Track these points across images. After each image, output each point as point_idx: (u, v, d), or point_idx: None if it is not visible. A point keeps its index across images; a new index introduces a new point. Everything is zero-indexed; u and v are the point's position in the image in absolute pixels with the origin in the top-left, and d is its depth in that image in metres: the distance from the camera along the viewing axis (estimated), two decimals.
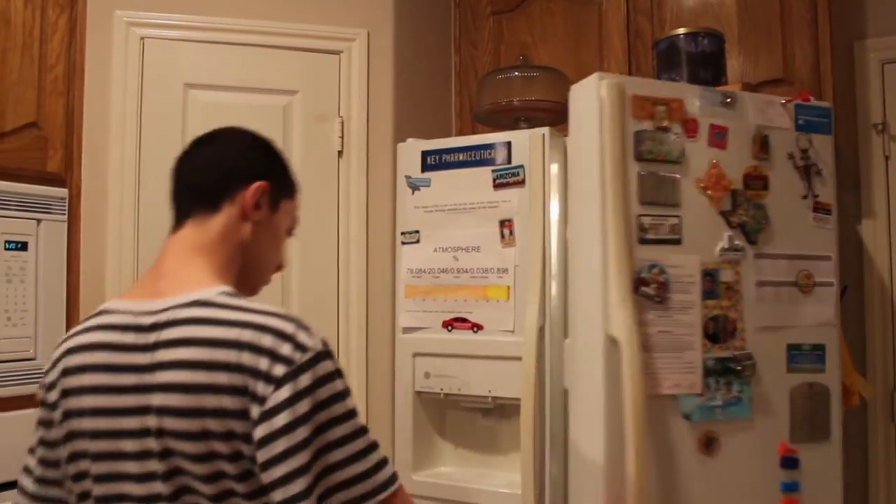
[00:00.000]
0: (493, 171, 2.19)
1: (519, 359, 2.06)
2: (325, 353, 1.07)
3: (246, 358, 1.03)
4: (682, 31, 2.23)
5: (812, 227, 1.86)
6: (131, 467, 1.10)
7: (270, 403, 1.01)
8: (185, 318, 1.09)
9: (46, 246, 2.20)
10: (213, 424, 1.04)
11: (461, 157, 2.24)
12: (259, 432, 1.02)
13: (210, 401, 1.04)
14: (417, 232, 2.29)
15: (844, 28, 2.57)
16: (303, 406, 1.02)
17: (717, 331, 1.74)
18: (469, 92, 2.90)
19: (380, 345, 2.60)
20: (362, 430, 1.08)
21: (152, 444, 1.08)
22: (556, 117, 2.41)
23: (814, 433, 1.80)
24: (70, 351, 1.16)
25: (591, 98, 1.77)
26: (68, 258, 2.28)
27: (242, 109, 2.52)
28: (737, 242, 1.78)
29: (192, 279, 1.15)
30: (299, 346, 1.05)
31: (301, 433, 1.01)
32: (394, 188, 2.49)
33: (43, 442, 1.22)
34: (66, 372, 1.15)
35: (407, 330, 2.30)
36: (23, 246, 2.14)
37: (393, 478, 1.08)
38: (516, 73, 2.48)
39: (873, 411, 2.49)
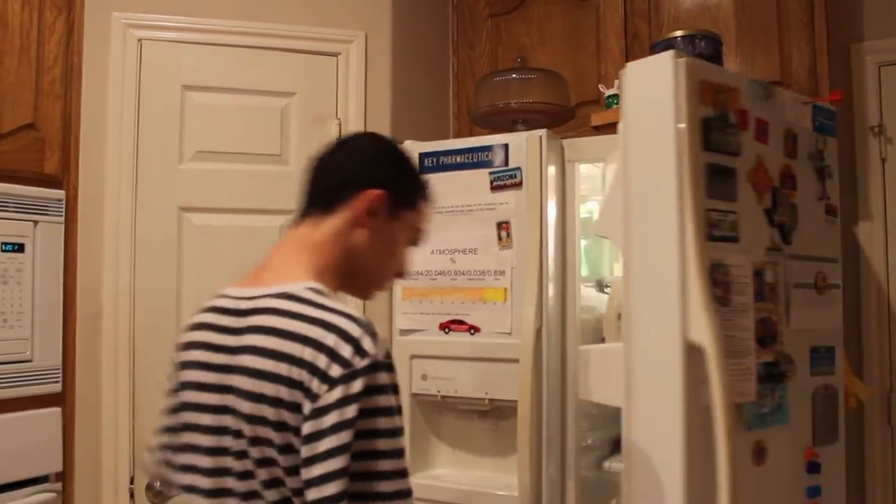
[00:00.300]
0: (491, 173, 2.19)
1: (516, 361, 2.06)
2: (385, 365, 1.09)
3: (308, 353, 1.08)
4: (679, 33, 2.23)
5: (824, 229, 1.85)
6: (205, 441, 1.18)
7: (321, 402, 1.05)
8: (270, 307, 1.16)
9: (43, 248, 2.20)
10: (268, 412, 1.09)
11: (458, 159, 2.24)
12: (306, 428, 1.05)
13: (270, 389, 1.09)
14: None
15: (841, 30, 2.57)
16: (350, 411, 1.04)
17: (765, 334, 1.65)
18: (467, 94, 2.91)
19: None
20: (401, 452, 1.09)
21: (229, 421, 1.15)
22: (553, 119, 2.41)
23: (828, 436, 1.79)
24: (190, 327, 1.28)
25: (662, 79, 1.59)
26: (65, 260, 2.27)
27: (240, 111, 2.52)
28: (777, 241, 1.70)
29: (291, 274, 1.22)
30: (360, 351, 1.07)
31: (345, 437, 1.03)
32: None
33: (166, 409, 1.32)
34: (183, 347, 1.27)
35: (404, 332, 2.30)
36: (20, 248, 2.14)
37: None
38: (514, 76, 2.48)
39: (870, 413, 2.49)
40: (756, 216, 1.67)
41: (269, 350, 1.12)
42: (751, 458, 1.58)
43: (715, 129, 1.59)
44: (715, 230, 1.56)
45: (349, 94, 2.64)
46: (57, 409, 2.21)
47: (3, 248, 2.10)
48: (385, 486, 1.06)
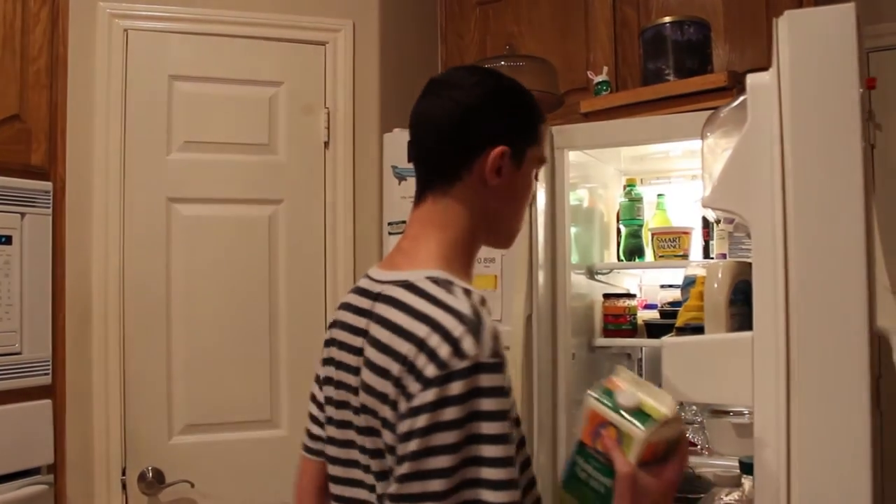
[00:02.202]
0: None
1: (506, 348, 2.06)
2: (488, 366, 1.02)
3: (410, 350, 1.04)
4: (668, 19, 2.24)
5: None
6: (336, 415, 1.21)
7: (415, 402, 1.01)
8: (390, 296, 1.13)
9: (31, 239, 2.19)
10: (377, 407, 1.08)
11: None
12: (401, 427, 1.02)
13: (378, 383, 1.08)
14: (404, 222, 2.28)
15: None
16: (448, 413, 0.99)
17: None
18: None
19: None
20: (508, 461, 1.02)
21: (355, 403, 1.15)
22: (542, 107, 2.40)
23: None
24: (339, 306, 1.28)
25: (845, 33, 1.41)
26: (53, 252, 2.26)
27: (228, 101, 2.51)
28: None
29: (417, 258, 1.18)
30: (458, 352, 1.01)
31: (438, 439, 0.99)
32: (380, 178, 2.49)
33: (317, 379, 1.32)
34: (331, 325, 1.28)
35: None
36: (7, 240, 2.13)
37: None
38: (503, 63, 2.47)
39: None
40: None
41: (381, 343, 1.10)
42: None
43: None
44: None
45: (337, 83, 2.63)
46: (47, 401, 2.21)
47: None
48: (491, 497, 0.99)
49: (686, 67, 2.18)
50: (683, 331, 1.82)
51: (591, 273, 2.35)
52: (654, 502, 1.13)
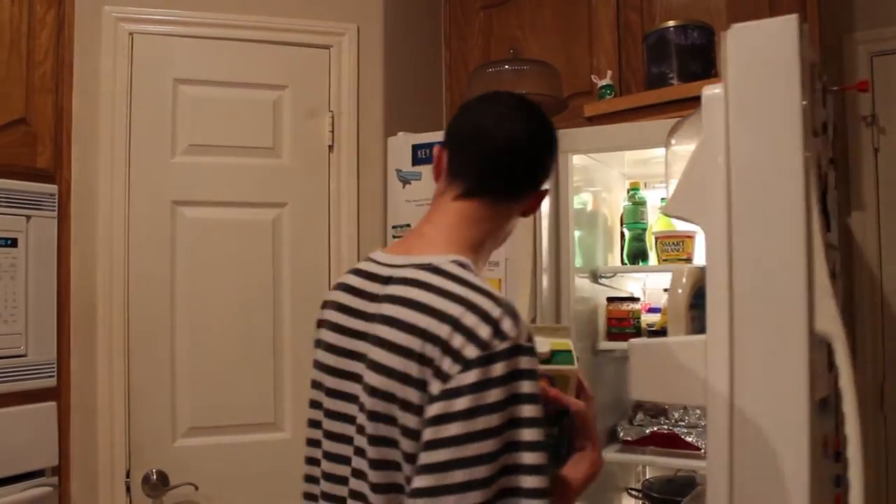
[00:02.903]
0: None
1: None
2: (527, 349, 1.02)
3: (444, 330, 1.02)
4: (671, 23, 2.24)
5: (834, 221, 1.84)
6: (351, 409, 1.14)
7: (453, 383, 0.99)
8: (412, 278, 1.11)
9: (36, 242, 2.19)
10: (396, 388, 1.04)
11: None
12: (433, 410, 0.99)
13: (399, 363, 1.04)
14: (409, 226, 2.29)
15: (834, 21, 2.57)
16: (491, 395, 0.98)
17: None
18: (459, 86, 2.90)
19: None
20: (546, 445, 1.02)
21: (353, 389, 1.13)
22: (546, 111, 2.40)
23: (837, 424, 1.78)
24: (334, 287, 1.26)
25: (787, 46, 1.43)
26: (58, 254, 2.27)
27: (232, 104, 2.51)
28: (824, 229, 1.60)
29: (442, 245, 1.18)
30: (499, 333, 1.01)
31: (481, 423, 0.97)
32: (385, 182, 2.49)
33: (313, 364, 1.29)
34: (323, 305, 1.26)
35: None
36: (13, 242, 2.13)
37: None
38: (507, 67, 2.48)
39: (863, 403, 2.50)
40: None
41: (404, 322, 1.06)
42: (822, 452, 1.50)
43: (817, 106, 1.50)
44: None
45: (341, 87, 2.63)
46: (52, 404, 2.21)
47: None
48: (530, 482, 0.99)
49: (690, 71, 2.18)
50: (657, 333, 1.87)
51: (595, 277, 2.35)
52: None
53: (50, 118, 2.28)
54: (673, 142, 1.74)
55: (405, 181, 2.30)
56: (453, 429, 0.97)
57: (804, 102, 1.39)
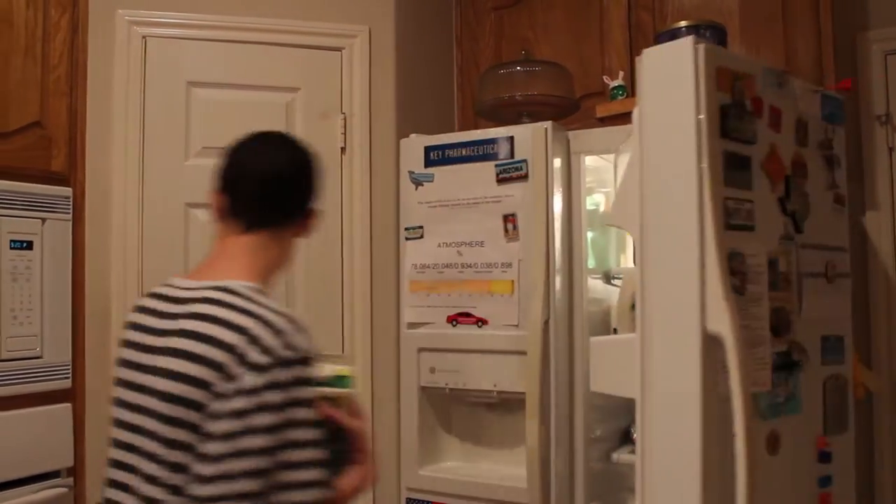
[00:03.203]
0: (497, 165, 2.19)
1: (524, 353, 2.07)
2: (310, 360, 1.19)
3: (236, 339, 1.16)
4: (683, 23, 2.22)
5: (833, 218, 1.84)
6: (144, 421, 1.23)
7: (243, 385, 1.12)
8: (208, 297, 1.24)
9: (51, 245, 2.21)
10: (192, 393, 1.15)
11: (464, 153, 2.24)
12: (223, 407, 1.12)
13: (195, 370, 1.16)
14: (421, 227, 2.29)
15: (847, 19, 2.56)
16: (275, 397, 1.13)
17: (779, 324, 1.63)
18: (471, 87, 2.90)
19: (384, 340, 2.60)
20: (320, 443, 1.17)
21: (153, 402, 1.21)
22: (558, 112, 2.41)
23: (838, 425, 1.79)
24: (133, 309, 1.39)
25: (681, 66, 1.56)
26: (73, 256, 2.28)
27: (245, 107, 2.52)
28: (790, 230, 1.69)
29: (234, 272, 1.31)
30: (287, 344, 1.16)
31: (261, 420, 1.11)
32: (397, 184, 2.49)
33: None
34: (125, 326, 1.36)
35: (411, 325, 2.31)
36: (28, 245, 2.15)
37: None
38: (518, 68, 2.48)
39: (879, 403, 2.49)
40: (770, 205, 1.66)
41: (201, 334, 1.19)
42: (765, 448, 1.58)
43: (732, 117, 1.57)
44: (732, 219, 1.54)
45: (353, 89, 2.64)
46: (67, 405, 2.22)
47: (12, 245, 2.11)
48: (304, 476, 1.15)
49: None
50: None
51: (608, 278, 2.35)
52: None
53: (64, 121, 2.29)
54: (622, 150, 1.82)
55: (418, 183, 2.30)
56: (237, 424, 1.11)
57: (700, 116, 1.52)
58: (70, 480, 2.20)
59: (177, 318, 1.25)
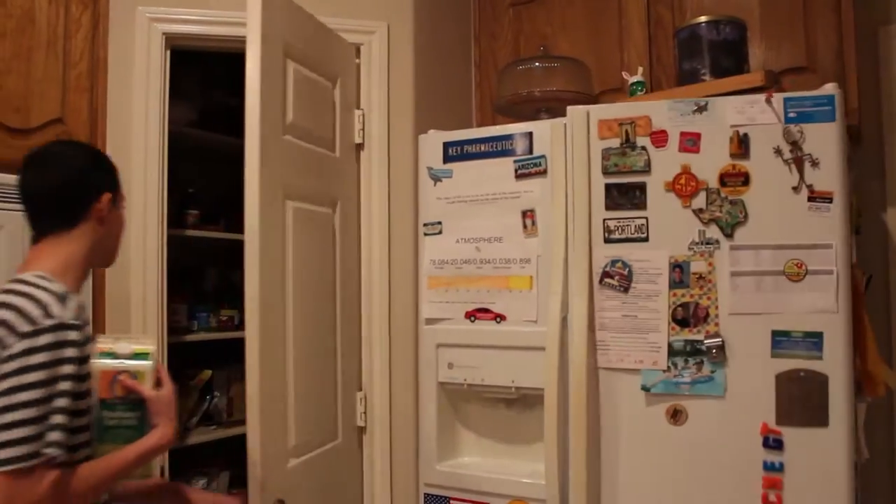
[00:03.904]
0: (515, 161, 2.19)
1: (542, 349, 2.07)
2: (70, 326, 1.42)
3: (11, 316, 1.40)
4: (703, 19, 2.22)
5: (807, 217, 1.85)
6: None
7: (13, 350, 1.37)
8: (4, 288, 1.48)
9: None
10: None
11: (483, 148, 2.24)
12: None
13: None
14: (440, 223, 2.30)
15: (868, 13, 2.54)
16: (39, 357, 1.37)
17: (688, 316, 1.93)
18: (489, 83, 2.90)
19: (403, 336, 2.61)
20: (75, 394, 1.42)
21: None
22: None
23: (805, 419, 1.82)
24: None
25: (561, 126, 2.10)
26: None
27: None
28: (710, 236, 1.92)
29: (33, 266, 1.53)
30: (47, 315, 1.41)
31: (29, 377, 1.36)
32: (415, 180, 2.50)
33: None
34: None
35: (430, 321, 2.31)
36: None
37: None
38: (537, 64, 2.48)
39: None
40: (679, 217, 1.95)
41: None
42: (665, 417, 1.94)
43: (613, 156, 2.01)
44: (614, 234, 2.01)
45: (372, 85, 2.64)
46: None
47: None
48: (78, 436, 1.45)
49: (722, 67, 2.16)
50: None
51: None
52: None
53: (85, 118, 2.32)
54: None
55: (436, 178, 2.30)
56: (7, 382, 1.35)
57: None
58: None
59: None
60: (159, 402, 1.60)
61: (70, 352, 1.41)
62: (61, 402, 1.39)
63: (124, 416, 1.59)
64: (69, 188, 1.60)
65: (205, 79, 3.32)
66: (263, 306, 1.98)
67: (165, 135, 2.46)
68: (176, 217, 2.95)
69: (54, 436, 1.37)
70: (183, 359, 2.56)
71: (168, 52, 2.49)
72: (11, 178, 2.06)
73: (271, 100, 2.08)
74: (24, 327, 1.39)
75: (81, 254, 1.60)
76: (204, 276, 3.51)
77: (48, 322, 1.40)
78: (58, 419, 1.38)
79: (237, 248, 2.51)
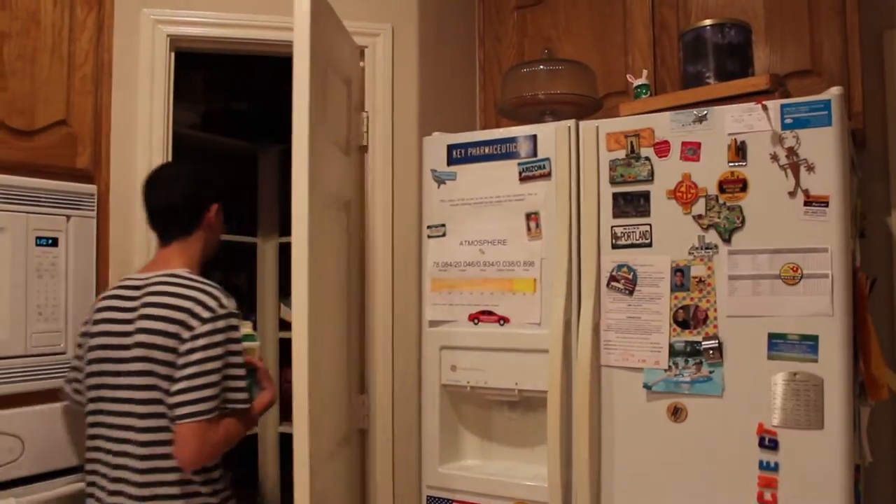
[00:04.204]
0: (520, 164, 2.19)
1: (545, 351, 2.07)
2: (235, 315, 1.95)
3: (192, 305, 1.90)
4: (708, 22, 2.22)
5: (803, 221, 1.85)
6: (114, 380, 1.94)
7: (196, 332, 1.86)
8: (161, 281, 1.97)
9: (76, 241, 2.23)
10: (160, 340, 1.88)
11: (487, 151, 2.24)
12: (185, 348, 1.86)
13: (162, 325, 1.89)
14: (443, 225, 2.29)
15: (874, 17, 2.53)
16: (217, 337, 1.87)
17: (688, 318, 1.97)
18: (493, 86, 2.90)
19: (406, 338, 2.61)
20: (244, 366, 1.97)
21: (136, 352, 1.91)
22: (581, 110, 2.40)
23: (801, 421, 1.82)
24: (102, 298, 2.06)
25: (565, 129, 2.15)
26: (97, 253, 2.30)
27: None
28: (709, 241, 1.96)
29: (170, 265, 2.04)
30: (220, 305, 1.92)
31: (212, 352, 1.86)
32: (419, 182, 2.50)
33: (77, 355, 2.11)
34: (96, 310, 2.04)
35: (433, 323, 2.31)
36: (53, 242, 2.17)
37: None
38: (541, 67, 2.47)
39: None
40: (680, 223, 2.00)
41: (163, 304, 1.91)
42: (666, 414, 1.98)
43: (619, 167, 2.07)
44: (621, 240, 2.07)
45: (376, 87, 2.64)
46: None
47: (38, 242, 2.13)
48: (241, 395, 1.94)
49: (727, 70, 2.16)
50: None
51: None
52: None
53: (90, 120, 2.32)
54: None
55: (440, 181, 2.30)
56: (198, 354, 1.85)
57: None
58: None
59: (139, 299, 1.95)
60: (266, 372, 2.12)
61: (235, 333, 1.93)
62: (231, 371, 1.90)
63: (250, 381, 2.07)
64: (188, 204, 2.07)
65: (207, 81, 3.33)
66: (312, 315, 1.95)
67: (169, 137, 2.46)
68: None
69: (228, 395, 1.89)
70: None
71: (173, 55, 2.49)
72: (16, 180, 2.09)
73: (318, 111, 2.04)
74: (205, 314, 1.88)
75: (199, 254, 2.10)
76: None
77: (222, 311, 1.91)
78: (229, 383, 1.90)
79: (239, 251, 2.52)
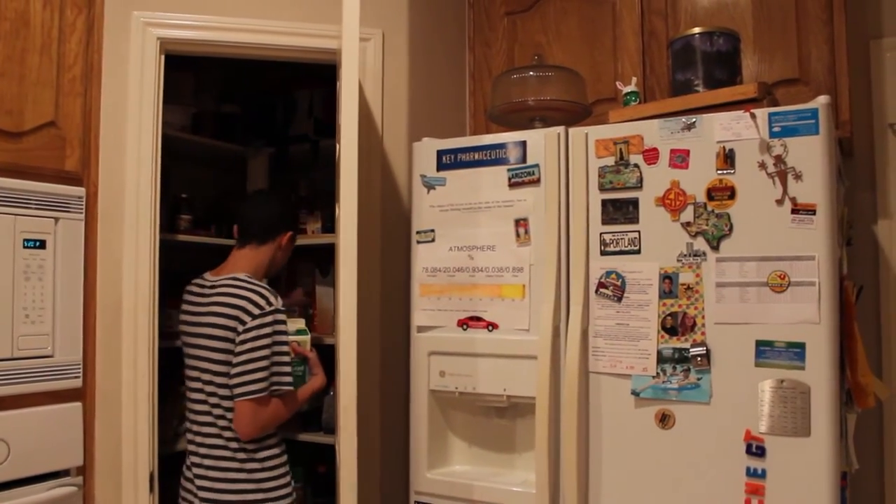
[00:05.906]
0: (509, 170, 2.19)
1: (534, 357, 2.07)
2: (282, 311, 2.30)
3: (245, 302, 2.26)
4: (697, 30, 2.23)
5: (790, 229, 1.87)
6: (200, 363, 2.34)
7: (249, 325, 2.23)
8: (226, 283, 2.34)
9: (64, 244, 2.22)
10: (222, 332, 2.26)
11: (476, 157, 2.24)
12: (240, 338, 2.23)
13: (223, 320, 2.27)
14: (433, 231, 2.30)
15: (860, 27, 2.56)
16: (266, 329, 2.23)
17: (676, 325, 1.98)
18: (483, 92, 2.91)
19: (394, 343, 2.60)
20: (288, 353, 2.33)
21: (204, 344, 2.32)
22: (570, 117, 2.41)
23: (788, 428, 1.83)
24: (185, 292, 2.49)
25: (554, 135, 2.17)
26: (86, 256, 2.29)
27: None
28: (697, 248, 1.97)
29: (237, 270, 2.40)
30: (269, 303, 2.27)
31: (261, 341, 2.22)
32: (409, 187, 2.50)
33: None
34: (182, 302, 2.48)
35: (422, 329, 2.31)
36: (41, 244, 2.16)
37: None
38: (531, 73, 2.48)
39: (889, 412, 2.48)
40: (668, 230, 2.01)
41: (226, 303, 2.28)
42: (653, 420, 1.99)
43: (608, 174, 2.08)
44: (609, 247, 2.07)
45: (366, 92, 2.64)
46: (77, 404, 2.23)
47: (25, 244, 2.12)
48: (286, 378, 2.28)
49: (715, 78, 2.17)
50: None
51: None
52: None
53: (78, 121, 2.30)
54: None
55: (430, 186, 2.31)
56: (249, 344, 2.22)
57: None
58: (80, 479, 2.21)
59: (209, 296, 2.34)
60: (315, 360, 2.55)
61: (282, 327, 2.28)
62: (278, 358, 2.24)
63: (297, 369, 2.44)
64: (272, 220, 2.46)
65: (198, 83, 3.32)
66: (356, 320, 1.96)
67: (159, 139, 2.45)
68: (168, 222, 2.94)
69: (276, 378, 2.24)
70: (174, 364, 2.55)
71: (162, 57, 2.48)
72: (4, 182, 2.08)
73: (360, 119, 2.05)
74: (256, 311, 2.23)
75: (264, 265, 2.46)
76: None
77: (270, 308, 2.25)
78: (276, 368, 2.24)
79: (227, 253, 2.51)
